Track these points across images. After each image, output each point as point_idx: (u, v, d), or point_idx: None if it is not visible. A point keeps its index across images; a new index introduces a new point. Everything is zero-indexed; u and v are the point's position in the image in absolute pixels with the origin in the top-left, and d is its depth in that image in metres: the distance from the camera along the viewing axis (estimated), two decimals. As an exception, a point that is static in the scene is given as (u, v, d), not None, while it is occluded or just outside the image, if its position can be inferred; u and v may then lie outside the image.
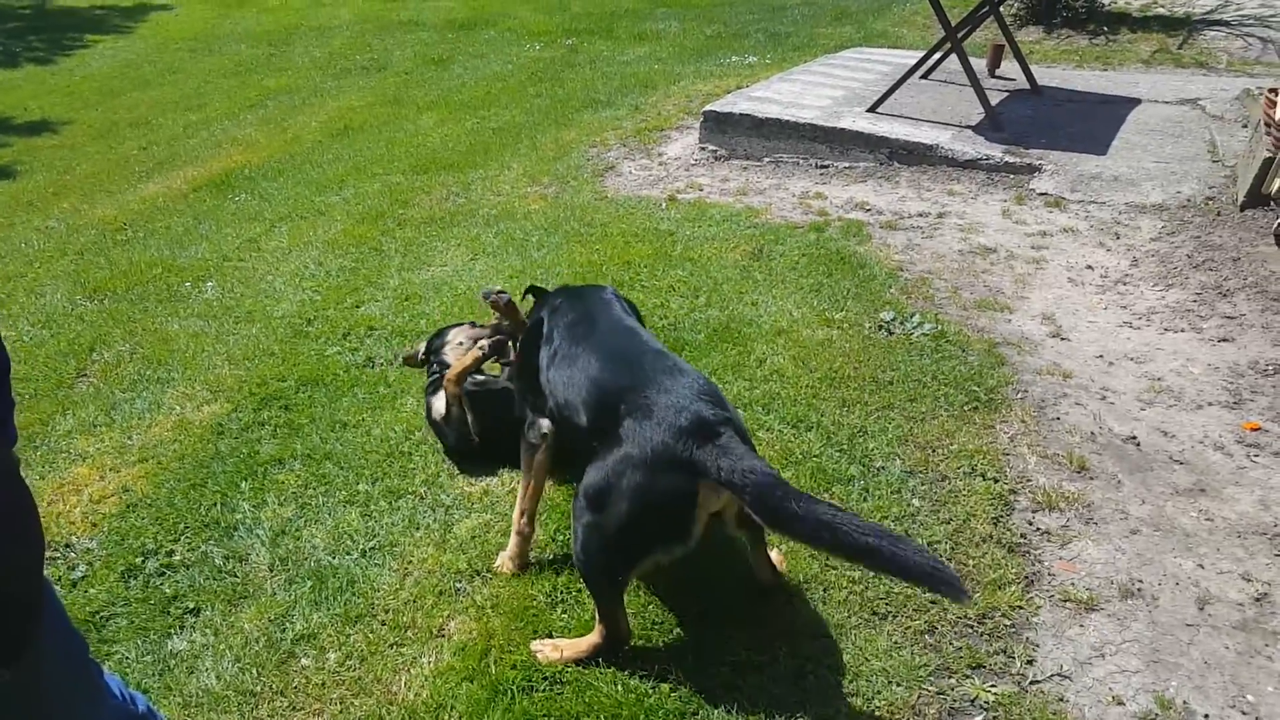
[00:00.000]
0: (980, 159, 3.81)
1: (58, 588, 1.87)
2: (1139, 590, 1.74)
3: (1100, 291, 2.92)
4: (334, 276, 3.32)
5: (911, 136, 3.94)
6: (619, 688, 1.55)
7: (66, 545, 2.03)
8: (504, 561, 1.84)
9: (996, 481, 2.02)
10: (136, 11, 9.39)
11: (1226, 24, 5.66)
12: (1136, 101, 4.38)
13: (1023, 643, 1.63)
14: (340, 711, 1.56)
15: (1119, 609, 1.70)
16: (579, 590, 1.74)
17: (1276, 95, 3.14)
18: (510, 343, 2.16)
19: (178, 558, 1.97)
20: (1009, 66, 4.77)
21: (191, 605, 1.83)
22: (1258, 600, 1.71)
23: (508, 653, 1.63)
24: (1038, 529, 1.90)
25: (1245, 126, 3.94)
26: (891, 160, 3.97)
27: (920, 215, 3.52)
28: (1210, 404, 2.30)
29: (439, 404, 2.17)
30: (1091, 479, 2.04)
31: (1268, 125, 3.12)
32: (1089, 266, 3.07)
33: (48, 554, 1.97)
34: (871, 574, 1.77)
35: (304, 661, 1.67)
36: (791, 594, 1.73)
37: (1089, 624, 1.67)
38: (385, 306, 3.05)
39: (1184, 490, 2.00)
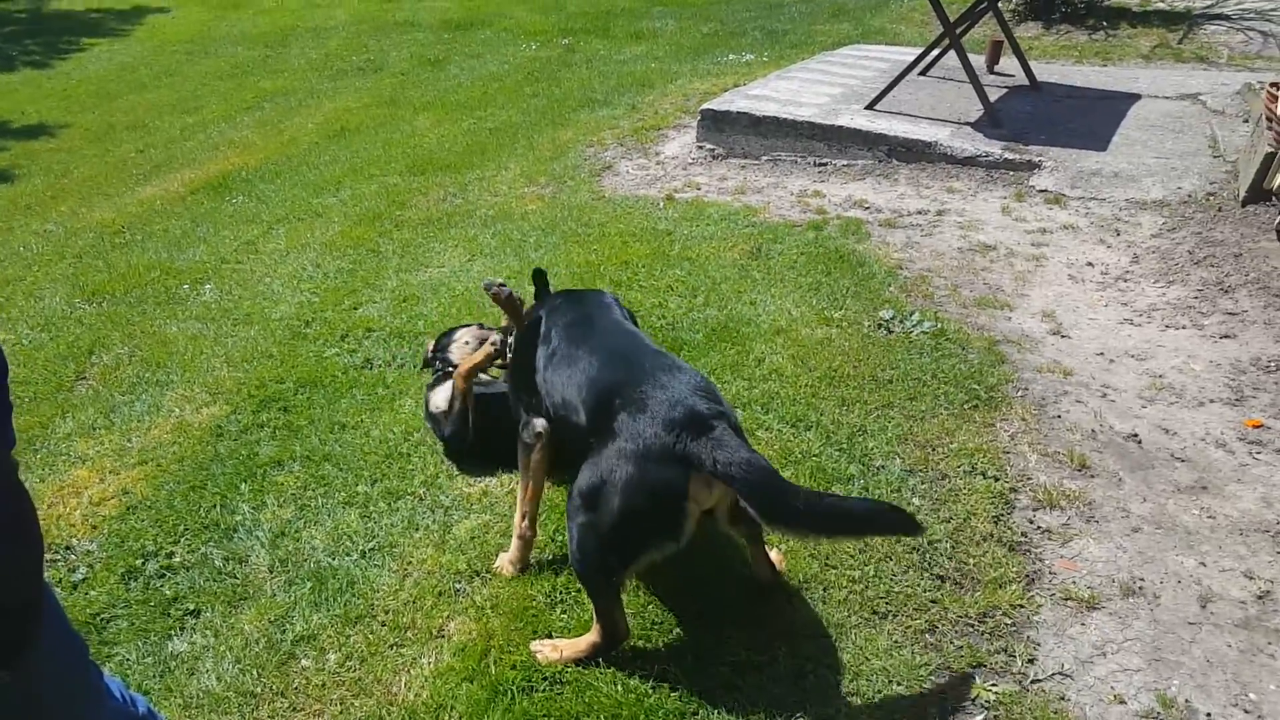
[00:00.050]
0: (979, 156, 3.80)
1: (58, 590, 1.87)
2: (1140, 588, 1.73)
3: (1101, 288, 2.92)
4: (332, 278, 3.32)
5: (910, 134, 3.93)
6: (619, 688, 1.54)
7: (67, 547, 2.02)
8: (504, 564, 1.84)
9: (997, 480, 2.02)
10: (132, 15, 9.39)
11: (1227, 18, 5.64)
12: (1136, 97, 4.37)
13: (1024, 641, 1.62)
14: (340, 712, 1.56)
15: (1120, 607, 1.69)
16: (578, 590, 1.74)
17: (1278, 90, 3.13)
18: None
19: (178, 559, 1.97)
20: (1008, 63, 4.76)
21: (191, 607, 1.83)
22: (1260, 598, 1.70)
23: (507, 653, 1.63)
24: (1039, 527, 1.90)
25: (1246, 121, 3.93)
26: (890, 158, 3.96)
27: (919, 213, 3.51)
28: (1212, 401, 2.29)
29: (438, 398, 2.18)
30: (1092, 477, 2.04)
31: (1269, 120, 3.11)
32: (1089, 263, 3.07)
33: (48, 556, 1.97)
34: (871, 570, 1.77)
35: (304, 662, 1.67)
36: (791, 594, 1.73)
37: (1090, 622, 1.66)
38: (383, 308, 3.04)
39: (1186, 488, 2.00)
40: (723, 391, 2.34)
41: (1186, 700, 1.50)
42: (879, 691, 1.54)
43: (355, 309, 3.06)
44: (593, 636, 1.59)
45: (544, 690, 1.56)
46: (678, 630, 1.68)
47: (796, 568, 1.79)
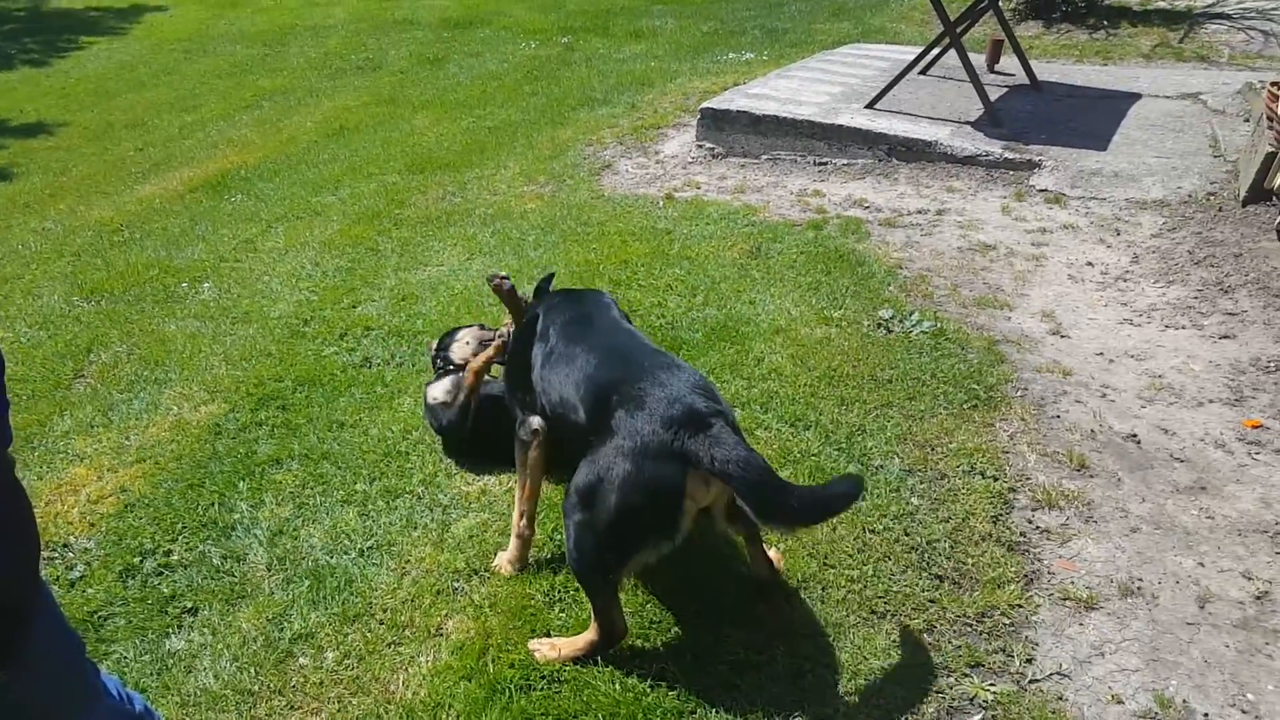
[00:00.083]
0: (979, 155, 3.80)
1: (55, 587, 1.87)
2: (1139, 589, 1.73)
3: (1100, 288, 2.92)
4: (330, 277, 3.32)
5: (910, 133, 3.93)
6: (617, 686, 1.54)
7: (64, 545, 2.02)
8: (502, 563, 1.83)
9: (996, 480, 2.02)
10: (131, 13, 9.37)
11: (1228, 17, 5.64)
12: (1137, 96, 4.37)
13: (1022, 641, 1.62)
14: (338, 710, 1.56)
15: (1119, 607, 1.69)
16: (576, 589, 1.74)
17: (1279, 89, 3.13)
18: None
19: (175, 557, 1.96)
20: (1008, 62, 4.75)
21: (189, 605, 1.83)
22: (1258, 599, 1.70)
23: (505, 651, 1.63)
24: (1037, 527, 1.90)
25: (1247, 121, 3.92)
26: (890, 157, 3.96)
27: (919, 212, 3.51)
28: (1211, 401, 2.29)
29: (436, 390, 2.19)
30: (1091, 477, 2.04)
31: (1270, 119, 3.10)
32: (1089, 263, 3.06)
33: (45, 554, 1.97)
34: (869, 570, 1.77)
35: (302, 660, 1.66)
36: (789, 593, 1.73)
37: (1088, 622, 1.66)
38: (382, 306, 3.04)
39: (1184, 488, 2.00)
40: (722, 391, 2.34)
41: (1184, 700, 1.50)
42: (877, 691, 1.54)
43: (354, 307, 3.06)
44: (590, 635, 1.59)
45: (542, 689, 1.56)
46: (676, 629, 1.67)
47: (795, 567, 1.78)
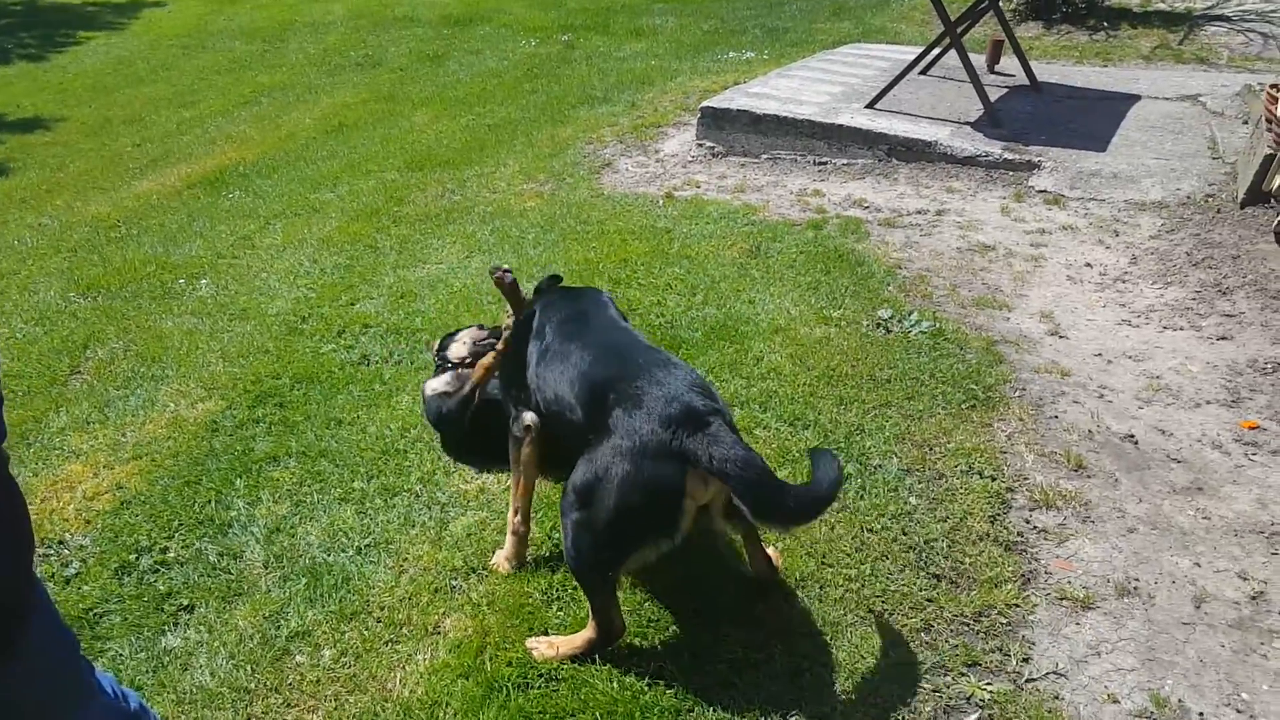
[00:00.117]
0: (979, 156, 3.80)
1: (50, 585, 1.87)
2: (1135, 588, 1.74)
3: (1099, 289, 2.92)
4: (328, 274, 3.31)
5: (910, 133, 3.93)
6: (614, 685, 1.54)
7: (60, 542, 2.02)
8: (500, 561, 1.83)
9: (994, 479, 2.02)
10: (129, 8, 9.34)
11: (1227, 19, 5.65)
12: (1136, 98, 4.37)
13: (1019, 640, 1.62)
14: (335, 708, 1.56)
15: (1115, 607, 1.70)
16: (574, 588, 1.74)
17: (1278, 91, 3.13)
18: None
19: (172, 555, 1.96)
20: (1008, 62, 4.76)
21: (185, 602, 1.82)
22: (1254, 599, 1.70)
23: (503, 650, 1.63)
24: (1035, 527, 1.90)
25: (1246, 123, 3.93)
26: (890, 157, 3.96)
27: (919, 213, 3.51)
28: (1208, 402, 2.30)
29: (437, 383, 2.21)
30: (1089, 477, 2.04)
31: (1269, 122, 3.11)
32: (1088, 264, 3.07)
33: (40, 551, 1.96)
34: (867, 569, 1.77)
35: (299, 658, 1.66)
36: (788, 592, 1.73)
37: (1085, 622, 1.67)
38: (380, 304, 3.03)
39: (1181, 489, 2.00)
40: (721, 390, 2.35)
41: (1180, 700, 1.51)
42: (874, 689, 1.54)
43: (352, 305, 3.05)
44: (588, 633, 1.59)
45: (539, 687, 1.56)
46: (674, 628, 1.67)
47: (793, 566, 1.79)
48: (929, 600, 1.71)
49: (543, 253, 3.33)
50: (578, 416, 1.57)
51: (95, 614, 1.80)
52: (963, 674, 1.56)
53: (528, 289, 2.12)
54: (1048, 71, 4.78)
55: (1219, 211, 3.25)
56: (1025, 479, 2.03)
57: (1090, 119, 4.11)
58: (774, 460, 2.08)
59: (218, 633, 1.73)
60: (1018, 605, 1.70)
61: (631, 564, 1.51)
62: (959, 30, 4.10)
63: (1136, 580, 1.76)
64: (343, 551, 1.91)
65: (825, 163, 4.06)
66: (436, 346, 2.42)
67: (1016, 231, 3.31)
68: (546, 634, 1.67)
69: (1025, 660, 1.59)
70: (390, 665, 1.63)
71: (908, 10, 6.72)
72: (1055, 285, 2.95)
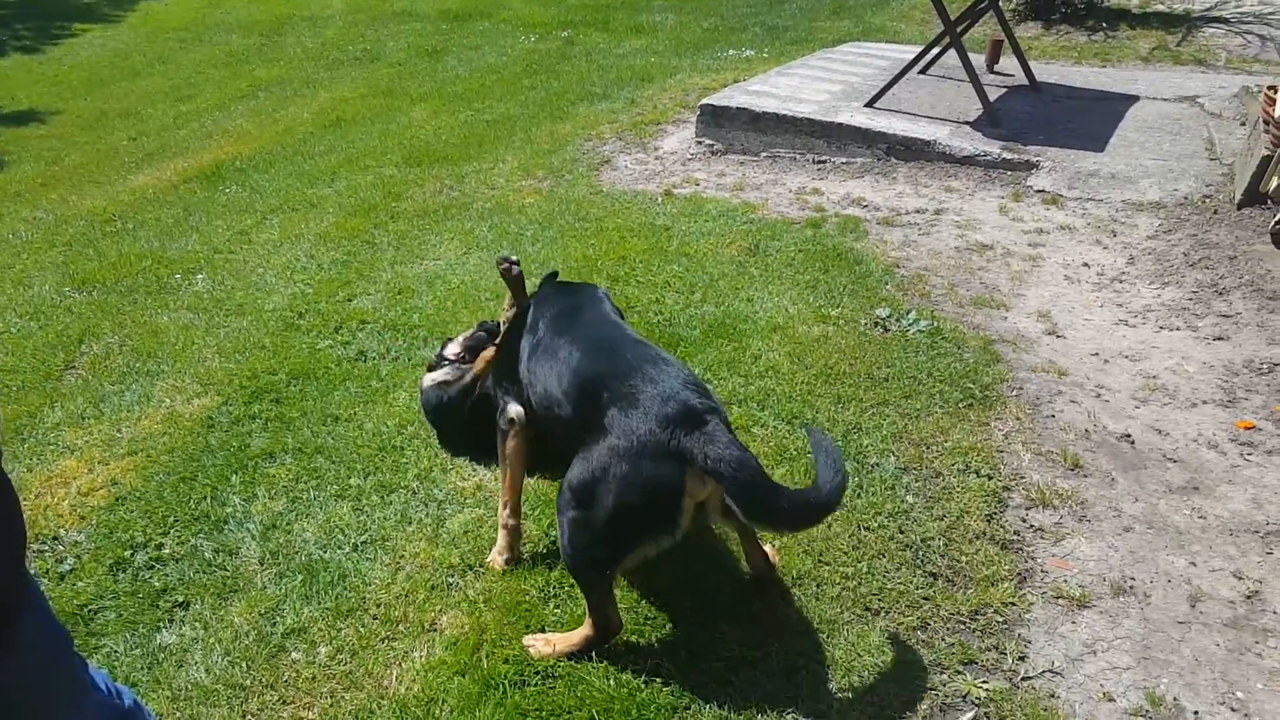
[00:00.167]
0: (978, 155, 3.80)
1: (44, 581, 1.86)
2: (1131, 587, 1.74)
3: (1096, 289, 2.92)
4: (326, 269, 3.30)
5: (909, 132, 3.93)
6: (611, 682, 1.54)
7: (54, 538, 2.00)
8: (494, 557, 1.83)
9: (990, 478, 2.02)
10: (126, 0, 9.27)
11: (1226, 21, 5.66)
12: (1135, 98, 4.38)
13: (1015, 639, 1.63)
14: (331, 705, 1.55)
15: (1111, 606, 1.70)
16: (571, 585, 1.74)
17: (1275, 93, 3.14)
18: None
19: (167, 551, 1.95)
20: (1008, 62, 4.76)
21: (181, 599, 1.81)
22: (1249, 598, 1.71)
23: (500, 647, 1.63)
24: (1031, 526, 1.91)
25: (1243, 124, 3.94)
26: (889, 156, 3.96)
27: (917, 211, 3.51)
28: (1205, 402, 2.30)
29: (437, 374, 2.21)
30: (1085, 476, 2.04)
31: (1266, 123, 3.12)
32: (1085, 264, 3.07)
33: (35, 547, 1.95)
34: (864, 567, 1.78)
35: (294, 655, 1.66)
36: (784, 591, 1.73)
37: (1081, 621, 1.67)
38: (377, 300, 3.02)
39: (1177, 488, 2.01)
40: (719, 388, 2.35)
41: (1175, 698, 1.51)
42: (870, 687, 1.54)
43: (349, 301, 3.04)
44: (585, 630, 1.58)
45: (536, 684, 1.55)
46: (671, 626, 1.67)
47: (789, 564, 1.79)
48: (925, 598, 1.71)
49: (541, 249, 3.32)
50: (566, 412, 1.57)
51: (90, 610, 1.80)
52: (959, 672, 1.57)
53: (530, 284, 2.12)
54: (1047, 72, 4.79)
55: (1216, 212, 3.26)
56: (1022, 478, 2.04)
57: (1088, 119, 4.11)
58: (771, 458, 2.08)
59: (213, 629, 1.73)
60: (1014, 604, 1.70)
61: (629, 562, 1.51)
62: (958, 30, 4.09)
63: (1132, 579, 1.76)
64: (339, 548, 1.91)
65: (824, 161, 4.06)
66: (439, 349, 2.42)
67: (1014, 231, 3.31)
68: (543, 631, 1.66)
69: (1021, 658, 1.59)
70: (386, 662, 1.63)
71: (907, 9, 6.72)
72: (1053, 285, 2.95)
